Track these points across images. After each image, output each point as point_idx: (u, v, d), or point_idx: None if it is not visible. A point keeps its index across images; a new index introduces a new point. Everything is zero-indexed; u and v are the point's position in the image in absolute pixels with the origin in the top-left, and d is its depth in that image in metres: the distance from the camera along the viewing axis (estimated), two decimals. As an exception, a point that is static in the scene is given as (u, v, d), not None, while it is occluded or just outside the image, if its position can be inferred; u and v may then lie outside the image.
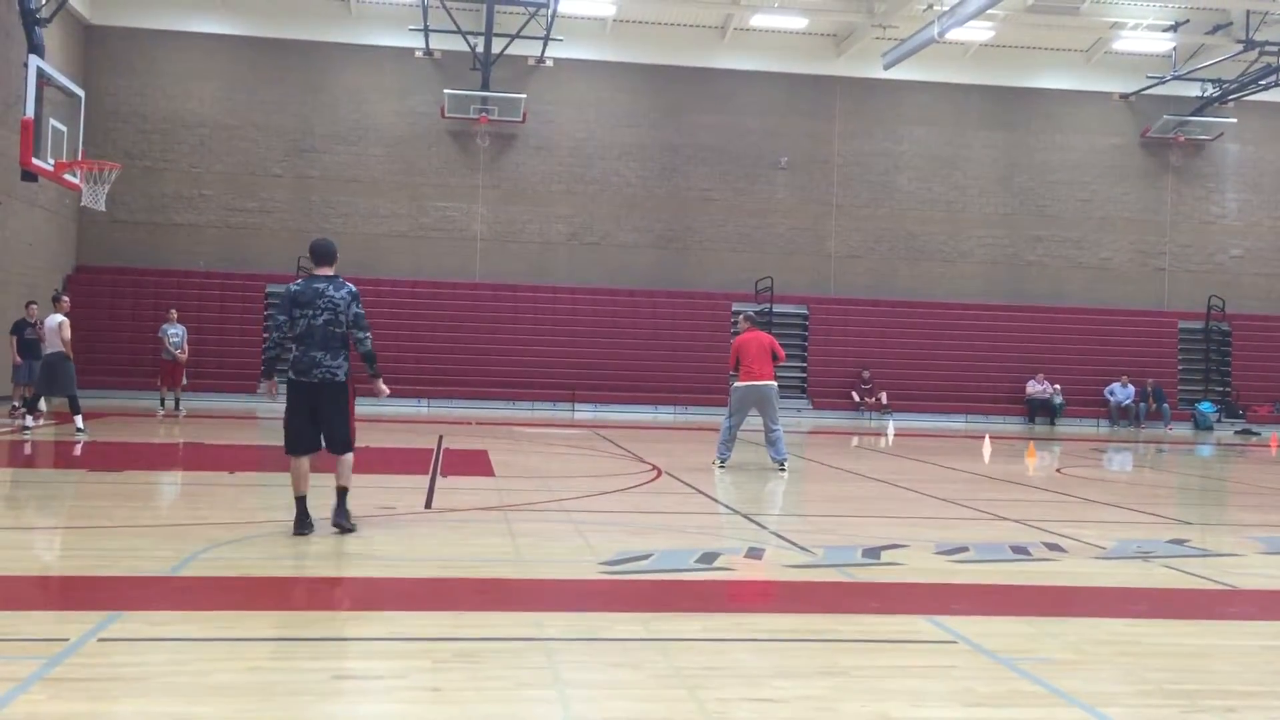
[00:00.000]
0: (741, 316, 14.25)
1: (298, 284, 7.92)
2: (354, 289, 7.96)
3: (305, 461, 7.80)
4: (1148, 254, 30.93)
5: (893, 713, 4.25)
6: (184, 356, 20.37)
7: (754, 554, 7.50)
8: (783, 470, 13.08)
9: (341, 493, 7.82)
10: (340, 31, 28.12)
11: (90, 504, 9.49)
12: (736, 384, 13.41)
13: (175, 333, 20.15)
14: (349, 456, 7.89)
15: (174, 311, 20.82)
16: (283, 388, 8.05)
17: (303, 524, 7.65)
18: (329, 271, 7.97)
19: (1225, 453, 21.37)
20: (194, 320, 24.12)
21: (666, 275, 29.08)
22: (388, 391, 8.33)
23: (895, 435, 21.87)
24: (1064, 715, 4.32)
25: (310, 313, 7.74)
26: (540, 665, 4.74)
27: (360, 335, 7.86)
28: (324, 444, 7.88)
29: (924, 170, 30.14)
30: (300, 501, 7.71)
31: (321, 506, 7.90)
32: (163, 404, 20.10)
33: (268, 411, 21.59)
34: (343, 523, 7.75)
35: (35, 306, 18.37)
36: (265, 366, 8.22)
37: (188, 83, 27.69)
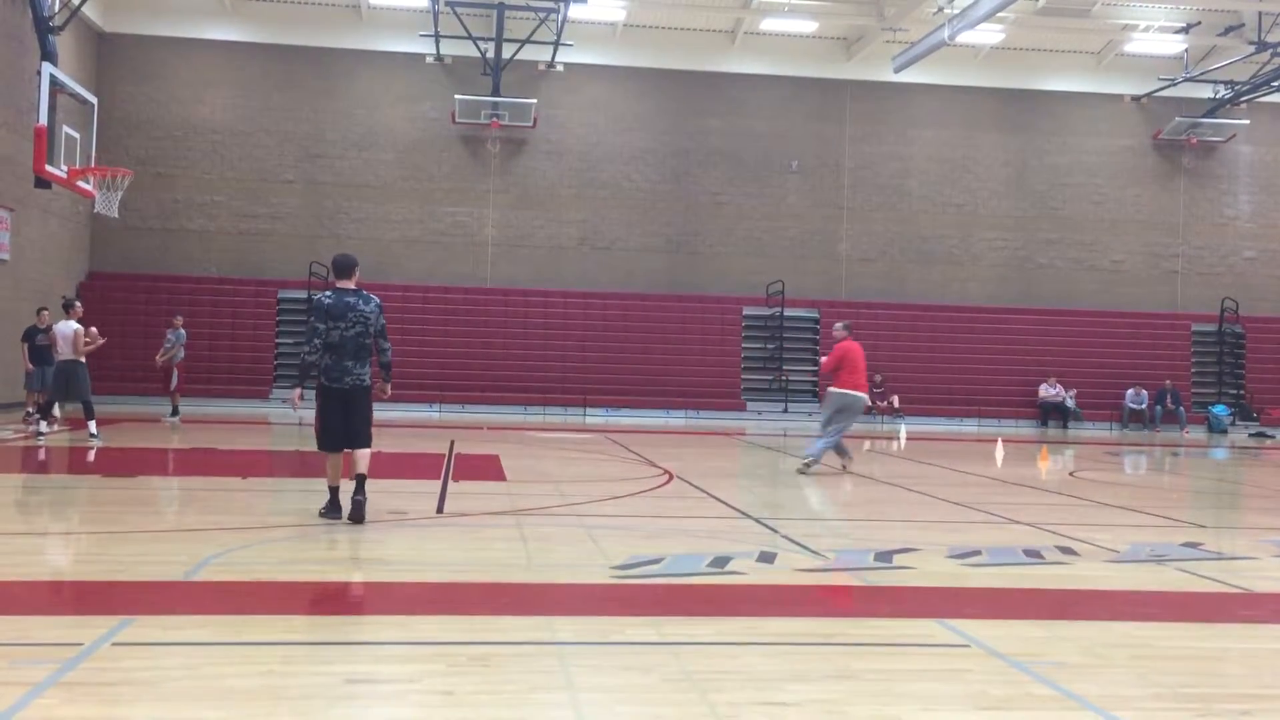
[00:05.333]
0: (841, 325, 13.76)
1: (330, 298, 8.38)
2: (379, 301, 8.52)
3: (340, 457, 8.41)
4: (1160, 256, 30.82)
5: (905, 717, 4.24)
6: (160, 359, 20.04)
7: (765, 558, 7.50)
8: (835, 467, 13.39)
9: (361, 478, 8.33)
10: (351, 38, 28.22)
11: (104, 509, 9.53)
12: (843, 391, 13.17)
13: (169, 338, 20.01)
14: (368, 451, 8.45)
15: (178, 318, 20.68)
16: (307, 395, 8.54)
17: (334, 509, 8.31)
18: (350, 284, 8.44)
19: (1239, 456, 21.27)
20: (206, 326, 24.18)
21: (677, 279, 29.08)
22: (390, 393, 8.88)
23: (907, 439, 21.82)
24: (1077, 719, 4.31)
25: (343, 325, 8.27)
26: (552, 669, 4.74)
27: (384, 345, 8.53)
28: (347, 440, 8.42)
29: (935, 173, 30.09)
30: (334, 491, 8.37)
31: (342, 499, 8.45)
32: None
33: (280, 417, 21.66)
34: (361, 500, 8.22)
35: (46, 313, 18.41)
36: (300, 372, 8.50)
37: (200, 90, 27.82)
